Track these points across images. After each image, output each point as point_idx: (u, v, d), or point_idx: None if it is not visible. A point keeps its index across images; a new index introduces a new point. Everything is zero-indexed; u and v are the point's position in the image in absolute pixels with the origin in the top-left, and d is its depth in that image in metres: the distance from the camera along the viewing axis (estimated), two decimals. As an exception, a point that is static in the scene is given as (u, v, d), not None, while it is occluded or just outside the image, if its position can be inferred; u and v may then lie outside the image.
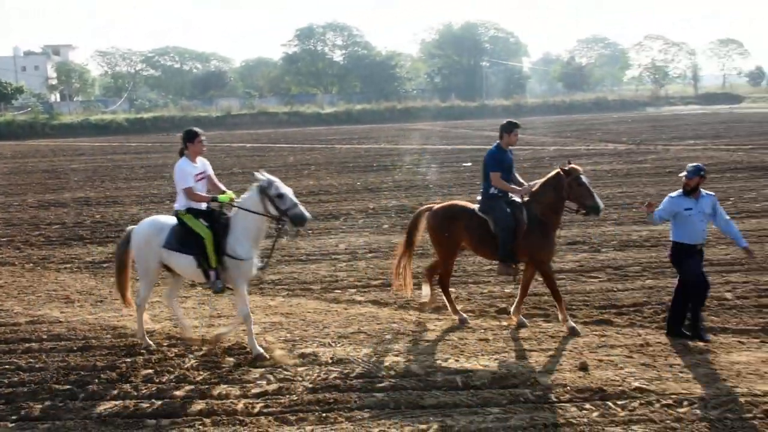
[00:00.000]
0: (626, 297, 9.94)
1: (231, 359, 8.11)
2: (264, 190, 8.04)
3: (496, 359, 7.86)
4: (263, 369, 7.77)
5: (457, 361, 7.84)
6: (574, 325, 8.68)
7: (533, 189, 8.95)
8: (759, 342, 8.11)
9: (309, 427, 6.45)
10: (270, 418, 6.65)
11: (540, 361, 7.79)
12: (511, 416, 6.47)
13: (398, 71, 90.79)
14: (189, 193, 8.21)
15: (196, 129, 8.52)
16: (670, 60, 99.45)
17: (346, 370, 7.64)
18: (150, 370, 7.80)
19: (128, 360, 8.14)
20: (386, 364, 7.79)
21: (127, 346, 8.65)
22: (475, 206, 9.22)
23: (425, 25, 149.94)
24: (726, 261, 11.53)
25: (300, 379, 7.49)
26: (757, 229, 13.78)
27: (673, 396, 6.75)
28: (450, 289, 9.46)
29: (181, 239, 8.25)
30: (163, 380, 7.53)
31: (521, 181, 9.25)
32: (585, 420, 6.37)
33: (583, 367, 7.51)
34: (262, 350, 8.12)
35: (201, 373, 7.72)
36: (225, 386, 7.35)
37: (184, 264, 8.31)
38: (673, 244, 8.42)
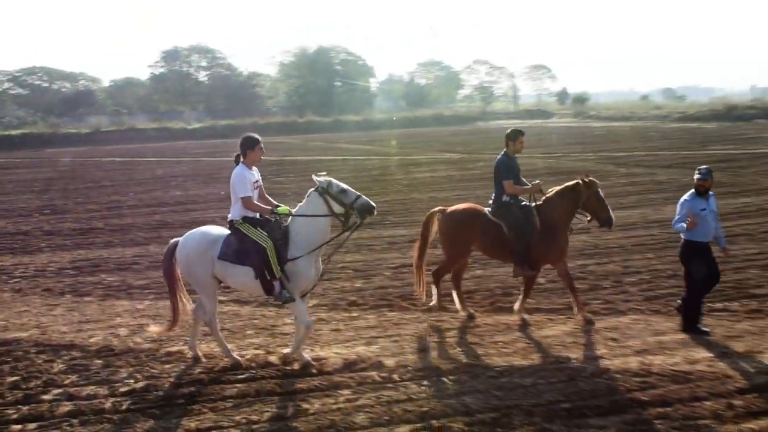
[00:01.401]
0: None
1: (99, 362, 7.70)
2: (325, 191, 7.16)
3: (346, 347, 7.90)
4: (131, 368, 7.44)
5: (312, 350, 7.80)
6: (590, 316, 8.44)
7: (548, 195, 8.66)
8: (565, 318, 8.64)
9: (174, 420, 6.23)
10: (137, 414, 6.36)
11: (386, 347, 7.90)
12: (360, 396, 6.54)
13: (259, 90, 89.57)
14: (247, 202, 7.26)
15: (257, 136, 7.57)
16: (494, 81, 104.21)
17: (210, 365, 7.44)
18: (16, 377, 7.24)
19: (-6, 368, 7.52)
20: (247, 356, 7.65)
21: (-7, 355, 7.98)
22: (486, 209, 8.83)
23: (282, 48, 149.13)
24: (539, 251, 12.17)
25: (167, 375, 7.22)
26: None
27: (496, 369, 7.06)
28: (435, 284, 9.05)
29: (238, 250, 7.21)
30: (30, 386, 7.01)
31: (526, 183, 8.99)
32: (423, 395, 6.54)
33: (423, 349, 7.71)
34: (309, 358, 7.34)
35: (69, 376, 7.26)
36: (93, 387, 6.94)
37: (241, 276, 7.24)
38: (686, 242, 7.98)
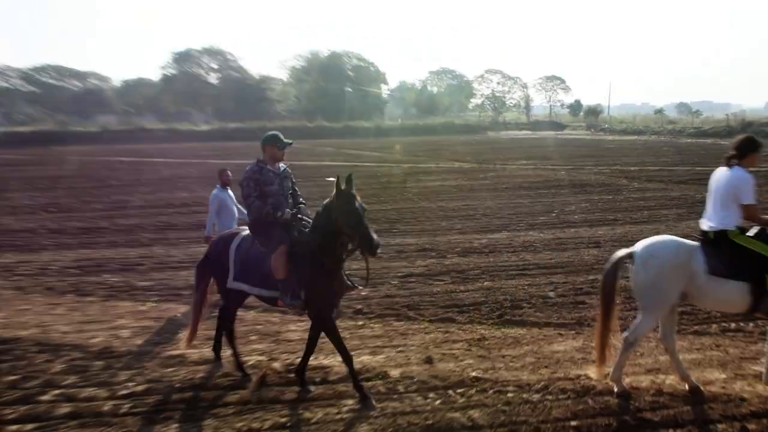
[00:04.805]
0: (467, 297, 10.18)
1: (99, 363, 7.65)
2: None
3: (352, 356, 7.81)
4: (132, 371, 7.39)
5: (315, 358, 7.72)
6: None
7: None
8: (575, 333, 8.54)
9: (175, 425, 6.17)
10: (137, 417, 6.30)
11: (391, 357, 7.81)
12: (364, 406, 6.46)
13: (270, 93, 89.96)
14: (753, 211, 6.38)
15: (758, 138, 6.72)
16: (506, 91, 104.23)
17: (212, 370, 7.38)
18: (15, 377, 7.20)
19: (-8, 367, 7.49)
20: (251, 363, 7.58)
21: (-7, 353, 7.95)
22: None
23: (293, 52, 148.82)
24: (550, 264, 12.09)
25: (167, 379, 7.16)
26: (574, 237, 14.56)
27: (503, 383, 6.95)
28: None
29: (730, 263, 6.34)
30: (28, 386, 6.97)
31: None
32: (428, 407, 6.43)
33: (428, 361, 7.61)
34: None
35: (68, 377, 7.21)
36: (92, 389, 6.89)
37: (728, 292, 6.34)
38: None
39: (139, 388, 6.93)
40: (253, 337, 8.53)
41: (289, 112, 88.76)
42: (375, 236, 6.32)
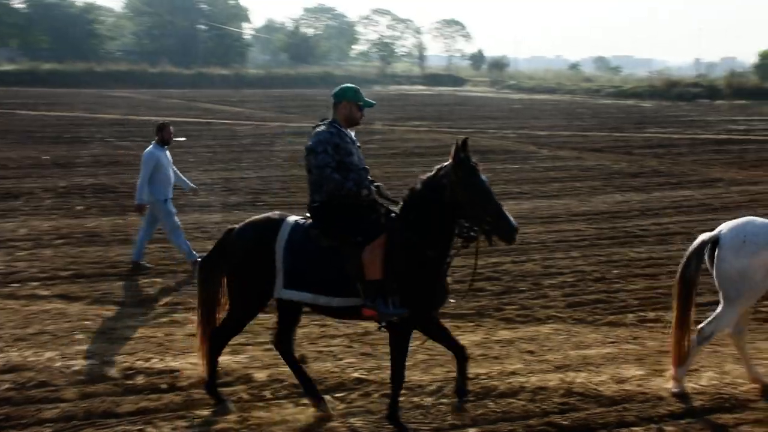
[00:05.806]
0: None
1: None
2: None
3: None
4: None
5: (162, 360, 7.68)
6: None
7: None
8: (474, 326, 8.88)
9: (-28, 455, 5.95)
10: None
11: (256, 356, 7.86)
12: (222, 418, 6.46)
13: (98, 27, 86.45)
14: None
15: None
16: (397, 37, 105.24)
17: (23, 379, 7.12)
18: None
19: None
20: (76, 368, 7.41)
21: None
22: None
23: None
24: (446, 245, 12.40)
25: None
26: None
27: (388, 385, 7.13)
28: None
29: None
30: None
31: None
32: (301, 416, 6.53)
33: (301, 360, 7.67)
34: None
35: None
36: None
37: None
38: None
39: None
40: (80, 336, 8.32)
41: (124, 52, 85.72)
42: (512, 218, 5.95)
